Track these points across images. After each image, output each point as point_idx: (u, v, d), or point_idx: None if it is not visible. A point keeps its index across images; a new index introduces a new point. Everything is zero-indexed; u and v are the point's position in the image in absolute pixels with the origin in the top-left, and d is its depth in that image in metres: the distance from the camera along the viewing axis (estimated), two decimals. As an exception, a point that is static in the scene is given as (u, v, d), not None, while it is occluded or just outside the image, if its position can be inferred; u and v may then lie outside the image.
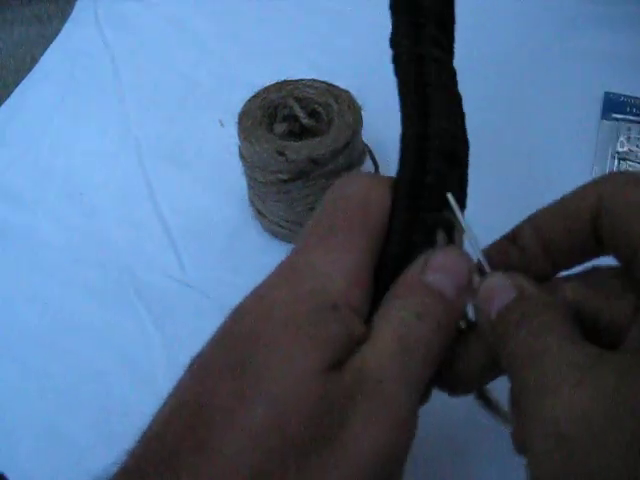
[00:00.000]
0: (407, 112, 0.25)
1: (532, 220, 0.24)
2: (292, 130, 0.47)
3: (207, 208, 0.51)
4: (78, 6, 0.74)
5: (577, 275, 0.23)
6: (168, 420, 0.19)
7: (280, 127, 0.46)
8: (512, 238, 0.24)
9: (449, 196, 0.23)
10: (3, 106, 0.62)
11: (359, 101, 0.46)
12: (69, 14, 0.74)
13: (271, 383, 0.19)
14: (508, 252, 0.24)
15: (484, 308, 0.22)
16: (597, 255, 0.23)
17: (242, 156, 0.46)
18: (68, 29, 0.72)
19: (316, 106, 0.47)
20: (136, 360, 0.42)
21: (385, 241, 0.23)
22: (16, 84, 0.65)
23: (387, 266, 0.23)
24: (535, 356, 0.19)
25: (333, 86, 0.47)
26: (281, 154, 0.42)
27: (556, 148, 0.53)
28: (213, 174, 0.53)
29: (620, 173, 0.23)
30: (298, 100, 0.47)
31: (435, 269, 0.22)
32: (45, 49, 0.69)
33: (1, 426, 0.40)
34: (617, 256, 0.22)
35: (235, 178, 0.48)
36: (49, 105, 0.62)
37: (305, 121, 0.47)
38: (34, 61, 0.68)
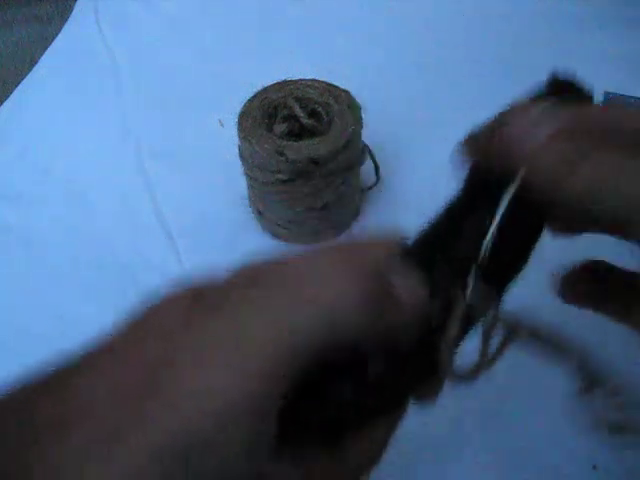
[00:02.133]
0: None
1: None
2: (292, 130, 0.47)
3: (207, 208, 0.51)
4: (78, 6, 0.75)
5: None
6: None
7: (280, 127, 0.46)
8: None
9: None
10: (3, 106, 0.62)
11: (359, 101, 0.46)
12: (69, 14, 0.74)
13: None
14: None
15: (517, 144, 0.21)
16: None
17: (242, 156, 0.46)
18: (68, 29, 0.72)
19: (316, 106, 0.47)
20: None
21: None
22: (16, 84, 0.65)
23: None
24: None
25: (333, 86, 0.47)
26: (281, 154, 0.42)
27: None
28: (213, 174, 0.53)
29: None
30: (298, 100, 0.47)
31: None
32: (45, 49, 0.69)
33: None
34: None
35: (235, 178, 0.48)
36: (49, 105, 0.62)
37: (305, 121, 0.47)
38: (34, 62, 0.68)
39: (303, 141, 0.44)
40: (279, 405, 0.19)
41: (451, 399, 0.39)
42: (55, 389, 0.18)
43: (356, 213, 0.50)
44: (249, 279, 0.21)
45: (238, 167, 0.47)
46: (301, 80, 0.48)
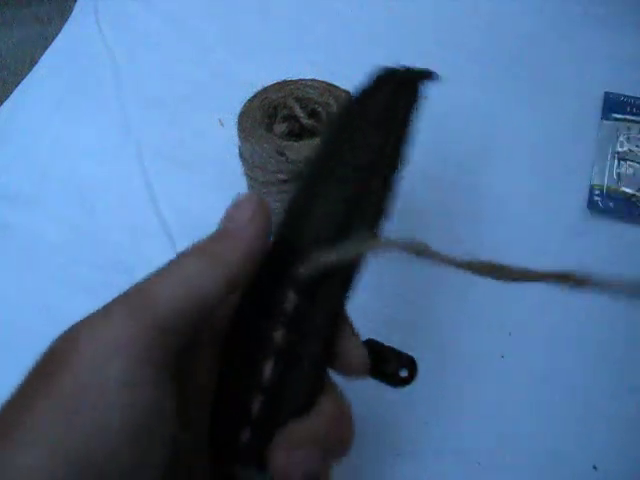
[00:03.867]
0: None
1: None
2: (292, 130, 0.47)
3: (207, 208, 0.51)
4: (78, 6, 0.74)
5: None
6: None
7: (280, 127, 0.46)
8: None
9: None
10: (3, 106, 0.62)
11: (359, 101, 0.46)
12: (69, 14, 0.74)
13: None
14: None
15: None
16: None
17: (242, 156, 0.46)
18: (68, 29, 0.72)
19: (316, 106, 0.47)
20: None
21: None
22: (16, 85, 0.65)
23: None
24: None
25: (333, 86, 0.47)
26: (281, 154, 0.42)
27: (556, 148, 0.53)
28: (213, 174, 0.53)
29: None
30: (298, 100, 0.47)
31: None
32: (45, 50, 0.69)
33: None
34: None
35: (235, 178, 0.48)
36: (49, 105, 0.62)
37: (305, 121, 0.47)
38: (34, 62, 0.68)
39: (303, 141, 0.44)
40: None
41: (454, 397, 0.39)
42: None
43: (356, 213, 0.50)
44: None
45: (238, 167, 0.47)
46: (301, 80, 0.48)
